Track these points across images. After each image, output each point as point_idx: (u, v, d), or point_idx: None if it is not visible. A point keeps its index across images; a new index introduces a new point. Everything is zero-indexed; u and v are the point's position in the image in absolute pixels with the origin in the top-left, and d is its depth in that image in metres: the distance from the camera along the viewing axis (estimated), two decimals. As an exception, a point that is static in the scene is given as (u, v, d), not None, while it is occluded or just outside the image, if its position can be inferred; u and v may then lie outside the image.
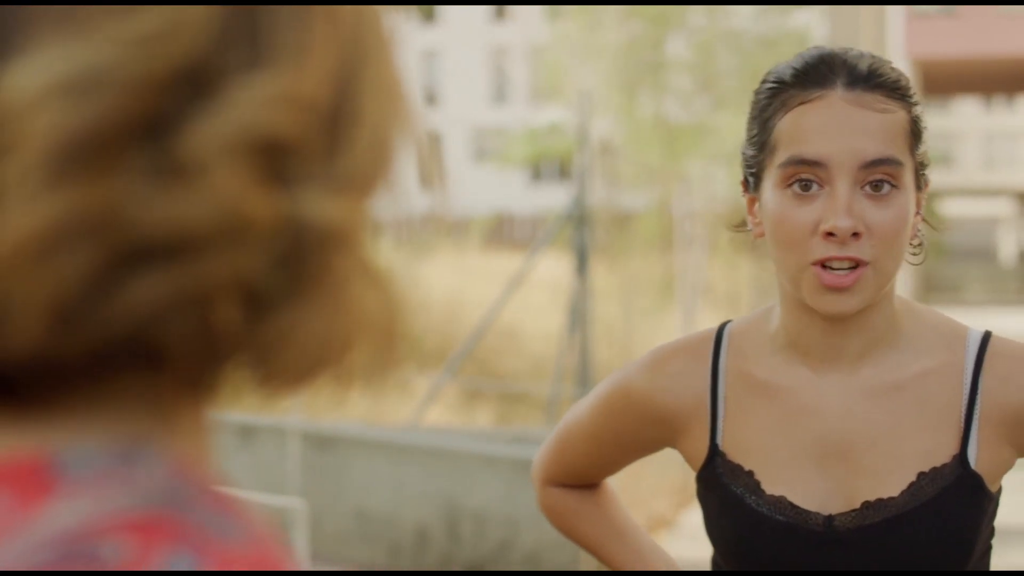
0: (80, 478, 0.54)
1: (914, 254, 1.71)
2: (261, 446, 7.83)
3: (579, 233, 9.03)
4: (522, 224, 37.62)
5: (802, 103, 1.62)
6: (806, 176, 1.61)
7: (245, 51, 0.55)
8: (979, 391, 1.66)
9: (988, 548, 1.72)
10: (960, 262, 47.19)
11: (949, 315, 1.76)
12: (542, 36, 28.75)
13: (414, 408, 10.18)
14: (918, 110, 1.67)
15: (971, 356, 1.68)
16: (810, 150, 1.60)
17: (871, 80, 1.63)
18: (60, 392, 0.55)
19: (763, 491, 1.68)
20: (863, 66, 1.64)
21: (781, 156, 1.63)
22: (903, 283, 29.34)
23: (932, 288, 38.39)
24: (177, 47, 0.53)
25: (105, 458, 0.55)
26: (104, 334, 0.53)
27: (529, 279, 10.21)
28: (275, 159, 0.55)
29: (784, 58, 1.73)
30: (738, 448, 1.70)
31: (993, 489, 1.68)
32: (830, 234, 1.58)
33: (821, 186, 1.60)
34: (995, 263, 51.16)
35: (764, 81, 1.69)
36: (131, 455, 0.55)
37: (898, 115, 1.63)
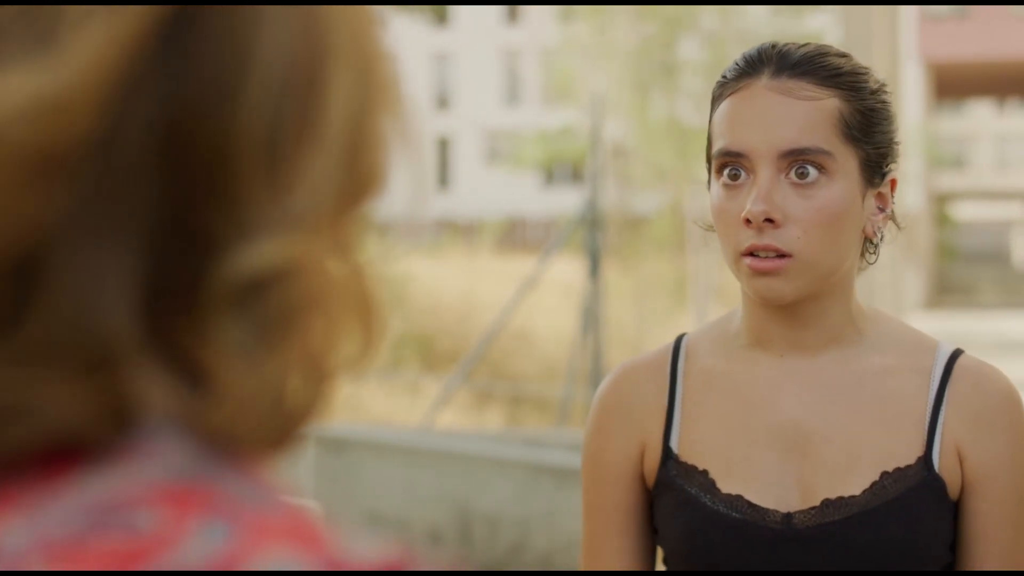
0: (104, 452, 0.54)
1: (871, 252, 1.69)
2: (273, 448, 7.83)
3: (591, 235, 9.02)
4: (535, 227, 37.62)
5: (732, 94, 1.64)
6: (734, 165, 1.62)
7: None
8: (945, 397, 1.64)
9: (949, 565, 1.66)
10: (973, 265, 47.04)
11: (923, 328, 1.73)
12: (554, 38, 28.73)
13: (426, 411, 10.18)
14: (867, 101, 1.63)
15: (940, 363, 1.67)
16: (732, 141, 1.62)
17: (799, 68, 1.62)
18: None
19: (718, 489, 1.64)
20: (796, 55, 1.63)
21: (715, 147, 1.66)
22: (916, 285, 29.25)
23: (944, 290, 38.28)
24: None
25: (128, 435, 0.55)
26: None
27: (541, 281, 10.20)
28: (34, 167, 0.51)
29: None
30: (692, 449, 1.67)
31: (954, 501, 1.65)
32: (748, 221, 1.58)
33: (748, 175, 1.62)
34: (1008, 265, 50.98)
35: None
36: (154, 432, 0.55)
37: (827, 103, 1.61)
